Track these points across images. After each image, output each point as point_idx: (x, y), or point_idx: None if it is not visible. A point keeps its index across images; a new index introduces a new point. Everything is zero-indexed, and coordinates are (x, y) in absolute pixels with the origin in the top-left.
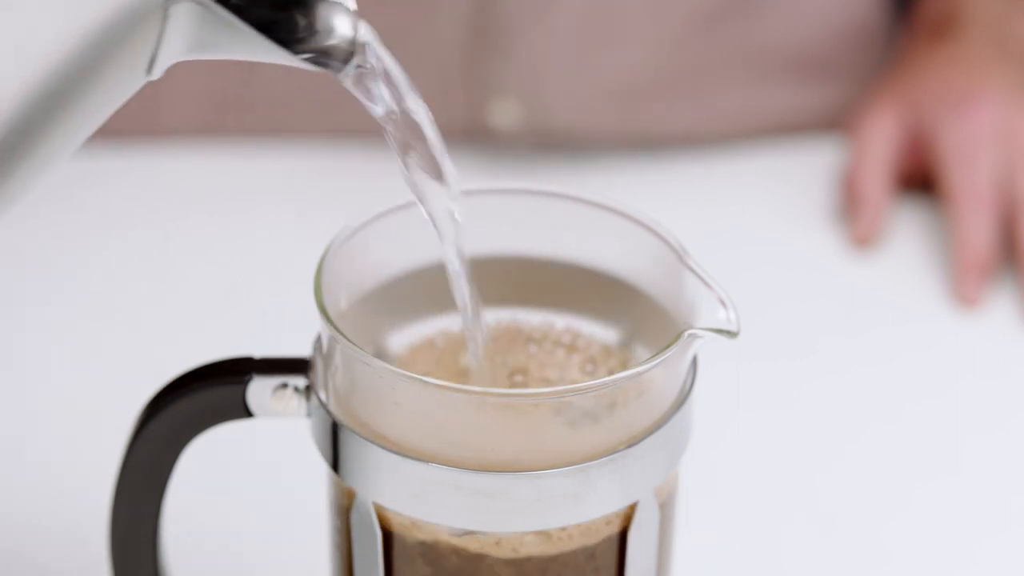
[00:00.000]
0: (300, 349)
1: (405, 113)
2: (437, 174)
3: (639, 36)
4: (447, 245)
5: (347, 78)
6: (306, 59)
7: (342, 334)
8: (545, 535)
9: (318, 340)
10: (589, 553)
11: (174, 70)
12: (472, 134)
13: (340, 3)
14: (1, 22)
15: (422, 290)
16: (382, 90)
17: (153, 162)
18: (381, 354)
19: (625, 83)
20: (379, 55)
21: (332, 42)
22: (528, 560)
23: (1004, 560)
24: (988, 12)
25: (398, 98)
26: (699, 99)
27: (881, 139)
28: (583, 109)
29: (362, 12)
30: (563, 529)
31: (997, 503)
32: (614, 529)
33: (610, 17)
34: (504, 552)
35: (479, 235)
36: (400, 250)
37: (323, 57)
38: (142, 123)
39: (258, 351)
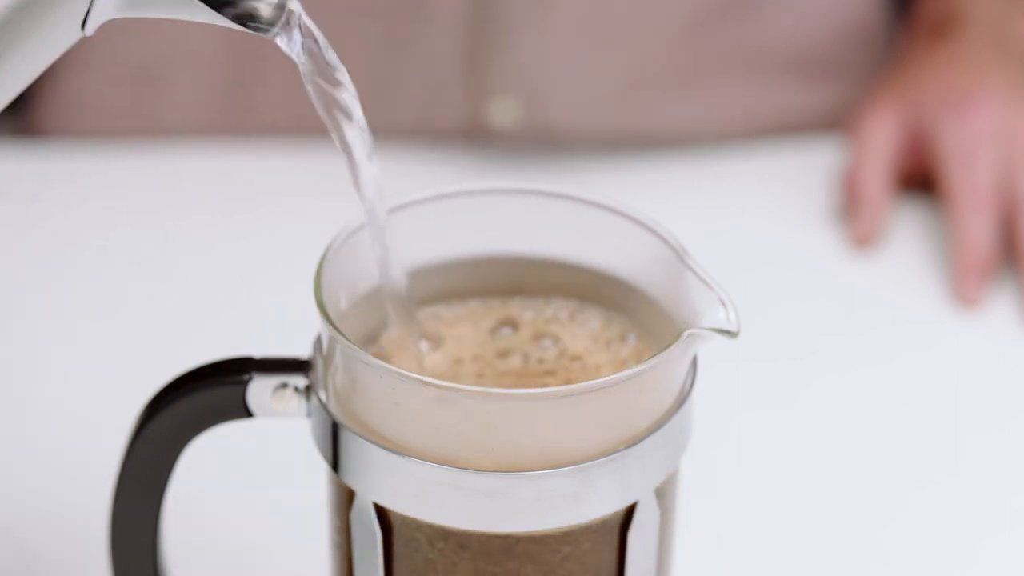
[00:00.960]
0: (300, 349)
1: (326, 69)
2: (352, 121)
3: (639, 34)
4: (367, 188)
5: (275, 38)
6: (234, 19)
7: (342, 334)
8: (545, 535)
9: (318, 340)
10: (589, 553)
11: (175, 70)
12: (471, 134)
13: None
14: None
15: (422, 290)
16: (305, 47)
17: (153, 162)
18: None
19: (624, 81)
20: (303, 20)
21: (258, 5)
22: (527, 560)
23: (1004, 560)
24: (988, 12)
25: (319, 56)
26: (699, 98)
27: (881, 139)
28: (582, 107)
29: (360, 10)
30: (563, 529)
31: (997, 503)
32: (614, 529)
33: (609, 15)
34: (503, 552)
35: (479, 235)
36: (400, 250)
37: (250, 19)
38: (142, 123)
39: (258, 351)
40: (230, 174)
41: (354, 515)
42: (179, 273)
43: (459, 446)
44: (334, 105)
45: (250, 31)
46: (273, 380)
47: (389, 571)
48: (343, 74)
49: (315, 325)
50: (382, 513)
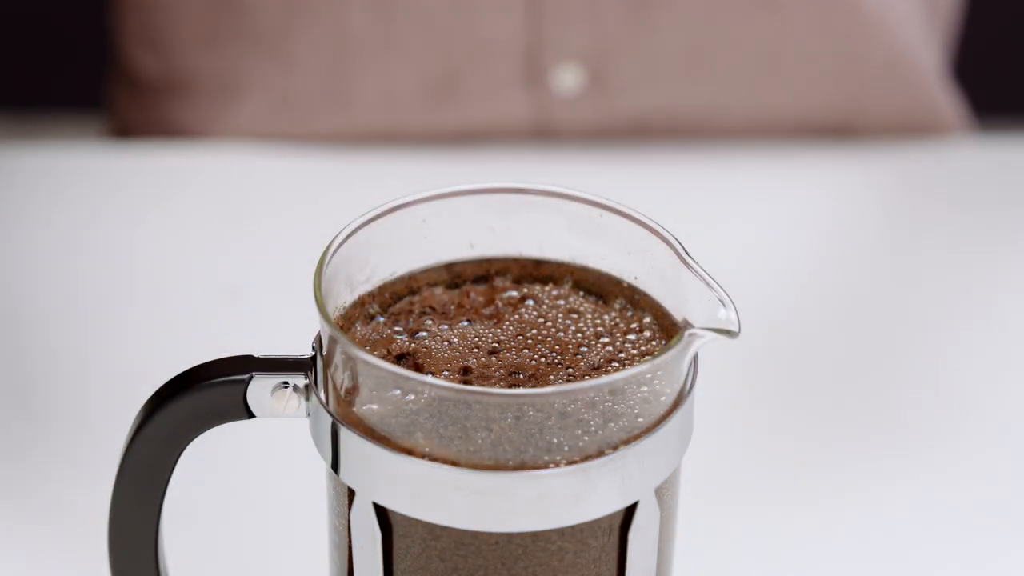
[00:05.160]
0: (300, 349)
1: None
2: None
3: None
4: None
5: None
6: None
7: (342, 334)
8: (545, 535)
9: (318, 340)
10: (589, 553)
11: None
12: (473, 133)
13: None
14: None
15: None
16: None
17: (153, 162)
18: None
19: (687, 50)
20: None
21: None
22: (527, 561)
23: (1004, 559)
24: None
25: None
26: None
27: None
28: (647, 75)
29: None
30: (563, 529)
31: (997, 502)
32: (614, 529)
33: None
34: (503, 552)
35: (479, 235)
36: (400, 250)
37: None
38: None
39: (258, 351)
40: (230, 174)
41: (354, 515)
42: (179, 273)
43: (459, 445)
44: None
45: None
46: (273, 380)
47: (389, 571)
48: None
49: (315, 325)
50: (382, 513)
